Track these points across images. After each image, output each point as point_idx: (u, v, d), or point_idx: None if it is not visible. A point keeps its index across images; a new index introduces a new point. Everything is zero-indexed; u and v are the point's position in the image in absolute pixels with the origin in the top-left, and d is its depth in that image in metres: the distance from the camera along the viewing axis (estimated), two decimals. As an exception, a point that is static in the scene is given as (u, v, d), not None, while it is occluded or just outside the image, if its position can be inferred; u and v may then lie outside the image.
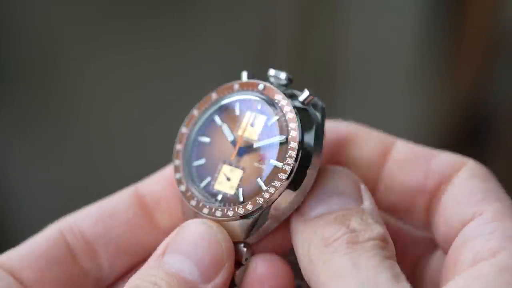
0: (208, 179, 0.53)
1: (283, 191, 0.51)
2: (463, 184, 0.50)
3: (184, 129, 0.55)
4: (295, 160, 0.51)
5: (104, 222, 0.53)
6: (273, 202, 0.51)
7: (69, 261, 0.52)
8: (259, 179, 0.52)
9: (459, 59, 1.18)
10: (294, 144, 0.51)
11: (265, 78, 0.55)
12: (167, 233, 0.53)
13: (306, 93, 0.53)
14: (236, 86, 0.54)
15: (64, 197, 1.17)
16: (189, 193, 0.53)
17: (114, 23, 1.17)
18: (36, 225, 1.25)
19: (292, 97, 0.53)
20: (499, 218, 0.47)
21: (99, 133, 1.19)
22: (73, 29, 1.16)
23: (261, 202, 0.51)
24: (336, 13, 1.17)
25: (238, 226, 0.51)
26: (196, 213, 0.52)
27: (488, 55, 1.17)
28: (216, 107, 0.54)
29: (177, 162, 0.54)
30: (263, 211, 0.51)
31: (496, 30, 1.16)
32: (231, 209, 0.51)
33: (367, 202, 0.50)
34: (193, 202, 0.52)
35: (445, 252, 0.50)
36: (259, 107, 0.53)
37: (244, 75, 0.55)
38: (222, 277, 0.49)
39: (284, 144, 0.52)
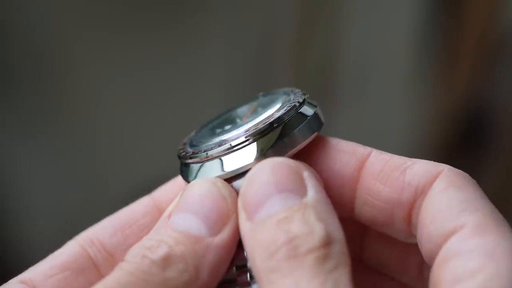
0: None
1: (294, 114, 0.49)
2: (439, 196, 0.47)
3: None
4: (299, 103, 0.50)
5: (123, 230, 0.53)
6: (284, 122, 0.49)
7: (93, 271, 0.52)
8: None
9: (457, 60, 1.19)
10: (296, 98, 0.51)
11: None
12: None
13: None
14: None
15: (67, 197, 1.17)
16: (195, 150, 0.51)
17: (119, 24, 1.17)
18: (38, 224, 1.26)
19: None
20: (479, 232, 0.44)
21: (102, 133, 1.19)
22: (77, 29, 1.16)
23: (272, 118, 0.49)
24: (335, 17, 1.18)
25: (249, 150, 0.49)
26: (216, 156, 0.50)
27: (485, 57, 1.18)
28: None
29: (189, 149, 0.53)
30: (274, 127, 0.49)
31: (494, 33, 1.17)
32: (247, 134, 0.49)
33: (311, 192, 0.46)
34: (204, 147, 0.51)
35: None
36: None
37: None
38: (229, 229, 0.48)
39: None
